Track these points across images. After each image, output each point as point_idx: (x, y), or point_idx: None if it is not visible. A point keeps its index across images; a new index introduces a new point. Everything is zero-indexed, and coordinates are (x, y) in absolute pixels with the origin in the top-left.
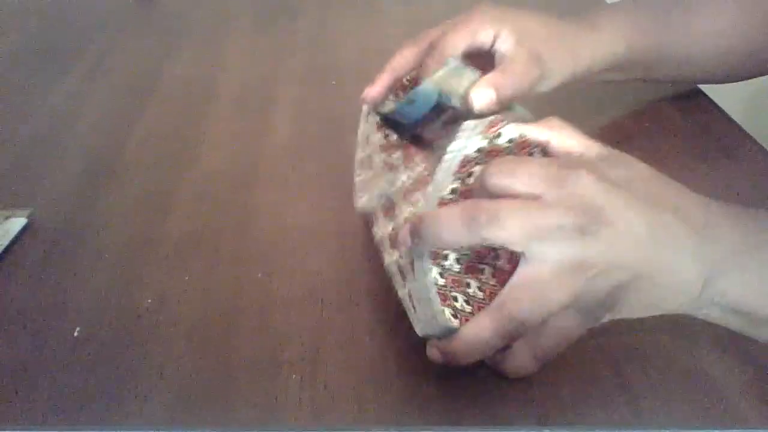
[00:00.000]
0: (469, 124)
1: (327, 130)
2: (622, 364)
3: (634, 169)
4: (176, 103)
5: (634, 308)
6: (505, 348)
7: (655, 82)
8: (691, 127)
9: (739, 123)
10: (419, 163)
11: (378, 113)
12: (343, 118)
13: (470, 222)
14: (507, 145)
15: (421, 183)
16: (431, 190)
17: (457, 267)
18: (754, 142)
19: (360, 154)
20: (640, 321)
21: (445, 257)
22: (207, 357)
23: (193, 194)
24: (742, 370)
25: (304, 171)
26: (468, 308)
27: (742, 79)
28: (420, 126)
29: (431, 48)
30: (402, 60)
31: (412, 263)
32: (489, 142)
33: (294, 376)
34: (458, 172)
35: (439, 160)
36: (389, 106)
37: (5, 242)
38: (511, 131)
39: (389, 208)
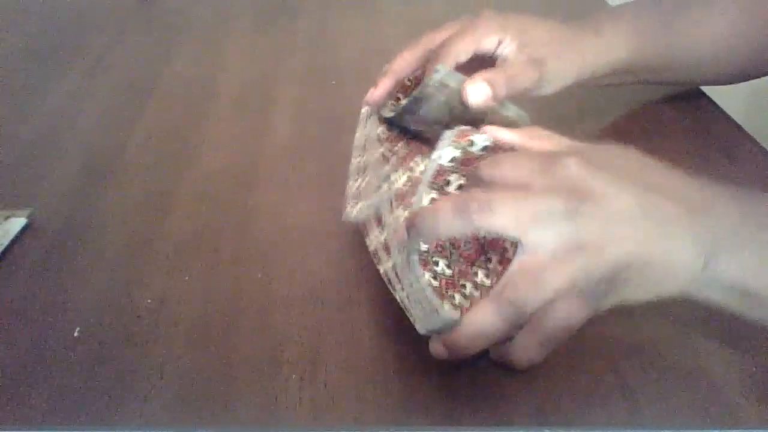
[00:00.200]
0: (447, 133)
1: (327, 130)
2: (622, 364)
3: (623, 155)
4: (176, 103)
5: (634, 290)
6: (509, 340)
7: (658, 85)
8: (691, 127)
9: (739, 123)
10: (419, 163)
11: (383, 118)
12: (343, 118)
13: (463, 211)
14: (480, 153)
15: (417, 185)
16: (414, 201)
17: (448, 272)
18: (754, 142)
19: (355, 161)
20: (640, 321)
21: (436, 263)
22: (207, 357)
23: (193, 194)
24: (742, 370)
25: (304, 171)
26: (466, 303)
27: (744, 80)
28: (423, 126)
29: (434, 53)
30: (403, 63)
31: (407, 262)
32: (462, 151)
33: (294, 376)
34: (434, 182)
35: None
36: (392, 109)
37: (5, 242)
38: (483, 138)
39: (380, 217)
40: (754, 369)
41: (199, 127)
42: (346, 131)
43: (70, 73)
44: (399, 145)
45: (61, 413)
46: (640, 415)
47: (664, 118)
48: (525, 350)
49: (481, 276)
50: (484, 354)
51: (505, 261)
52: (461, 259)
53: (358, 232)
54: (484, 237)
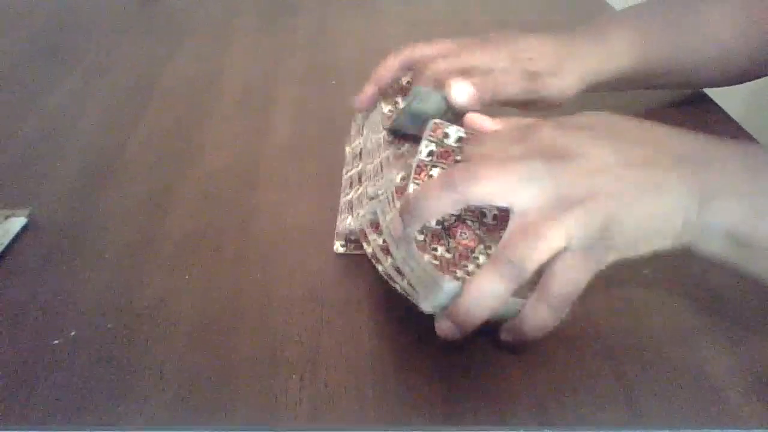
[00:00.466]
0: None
1: (327, 130)
2: (622, 364)
3: (598, 116)
4: (176, 103)
5: (631, 242)
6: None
7: (662, 89)
8: (691, 127)
9: (739, 123)
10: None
11: (386, 129)
12: (343, 118)
13: (449, 185)
14: (457, 144)
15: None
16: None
17: (448, 255)
18: (754, 141)
19: (349, 173)
20: (641, 320)
21: (435, 249)
22: (207, 357)
23: (194, 194)
24: (742, 370)
25: (304, 171)
26: (468, 276)
27: (747, 81)
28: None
29: (420, 71)
30: (384, 71)
31: (407, 251)
32: (438, 144)
33: (294, 376)
34: (416, 178)
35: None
36: (389, 116)
37: (5, 242)
38: (455, 130)
39: (377, 223)
40: (754, 369)
41: (199, 126)
42: (346, 131)
43: (71, 73)
44: (404, 147)
45: (61, 413)
46: (640, 415)
47: (664, 118)
48: (536, 317)
49: (482, 259)
50: (487, 331)
51: None
52: (460, 247)
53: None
54: (480, 227)
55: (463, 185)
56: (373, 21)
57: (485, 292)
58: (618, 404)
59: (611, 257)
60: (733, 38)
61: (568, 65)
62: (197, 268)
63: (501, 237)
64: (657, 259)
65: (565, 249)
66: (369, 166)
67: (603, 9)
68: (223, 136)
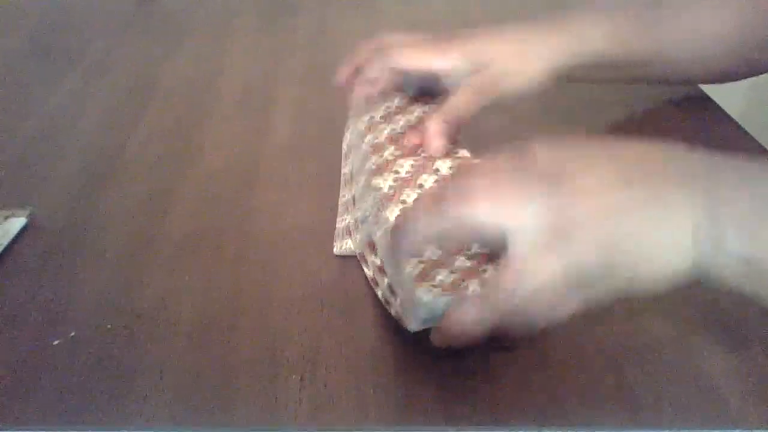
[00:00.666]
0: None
1: (327, 130)
2: (622, 364)
3: (594, 138)
4: (176, 103)
5: (637, 268)
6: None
7: (656, 84)
8: (691, 127)
9: (739, 123)
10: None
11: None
12: (343, 119)
13: (441, 202)
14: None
15: (402, 187)
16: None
17: (449, 279)
18: (755, 142)
19: (344, 197)
20: (640, 321)
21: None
22: (207, 357)
23: (194, 194)
24: (742, 370)
25: (304, 171)
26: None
27: (738, 79)
28: None
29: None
30: (358, 59)
31: (396, 267)
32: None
33: (294, 376)
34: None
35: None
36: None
37: (5, 242)
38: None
39: (373, 243)
40: (754, 369)
41: (199, 126)
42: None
43: (71, 73)
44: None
45: (61, 413)
46: (640, 415)
47: (664, 118)
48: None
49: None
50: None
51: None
52: (466, 265)
53: None
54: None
55: (456, 204)
56: (373, 21)
57: (472, 317)
58: (618, 404)
59: (611, 292)
60: (724, 32)
61: (532, 54)
62: (197, 268)
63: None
64: None
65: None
66: (358, 186)
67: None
68: (223, 136)
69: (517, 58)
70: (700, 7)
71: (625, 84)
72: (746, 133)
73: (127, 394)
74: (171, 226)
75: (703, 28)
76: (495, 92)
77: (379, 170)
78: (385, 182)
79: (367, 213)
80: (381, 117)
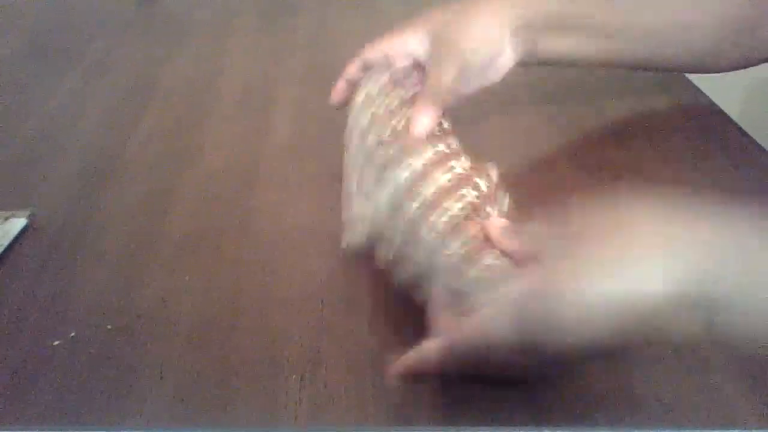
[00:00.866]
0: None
1: (327, 130)
2: (623, 364)
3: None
4: (176, 104)
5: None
6: None
7: (634, 67)
8: (690, 127)
9: (739, 123)
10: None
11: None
12: (343, 119)
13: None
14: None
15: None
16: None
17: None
18: (754, 141)
19: (348, 188)
20: None
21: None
22: (207, 357)
23: (194, 194)
24: (742, 370)
25: (304, 171)
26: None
27: (724, 70)
28: None
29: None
30: (350, 68)
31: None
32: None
33: (294, 376)
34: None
35: None
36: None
37: (5, 242)
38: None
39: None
40: (754, 369)
41: (199, 127)
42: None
43: (71, 73)
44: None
45: (61, 413)
46: (641, 415)
47: (664, 117)
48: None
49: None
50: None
51: None
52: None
53: None
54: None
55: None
56: (373, 21)
57: (428, 360)
58: (618, 404)
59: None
60: (694, 12)
61: (476, 20)
62: (197, 268)
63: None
64: None
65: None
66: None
67: None
68: (223, 136)
69: (456, 26)
70: None
71: (600, 66)
72: (746, 132)
73: (127, 394)
74: (171, 226)
75: (674, 7)
76: (461, 60)
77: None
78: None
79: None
80: (383, 111)
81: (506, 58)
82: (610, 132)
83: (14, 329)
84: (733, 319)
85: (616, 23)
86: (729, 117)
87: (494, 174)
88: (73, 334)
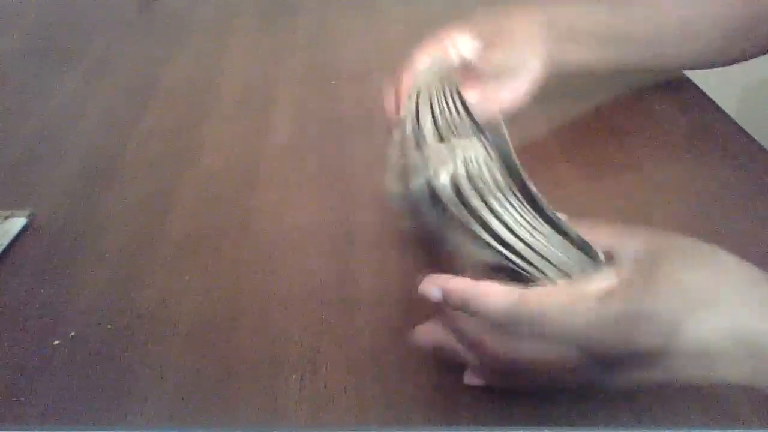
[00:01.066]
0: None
1: (327, 130)
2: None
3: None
4: (176, 104)
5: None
6: None
7: (641, 70)
8: (690, 127)
9: (739, 123)
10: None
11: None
12: (343, 119)
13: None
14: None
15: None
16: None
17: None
18: (753, 140)
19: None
20: None
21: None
22: (207, 357)
23: (194, 194)
24: None
25: (304, 171)
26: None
27: (723, 65)
28: None
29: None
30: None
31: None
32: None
33: (294, 376)
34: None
35: None
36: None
37: (5, 242)
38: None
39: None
40: None
41: (199, 127)
42: (346, 131)
43: (71, 73)
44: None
45: (61, 413)
46: (641, 415)
47: (663, 116)
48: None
49: None
50: None
51: None
52: None
53: (358, 232)
54: None
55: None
56: (373, 21)
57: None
58: (618, 404)
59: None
60: (696, 18)
61: (517, 37)
62: (197, 268)
63: None
64: None
65: None
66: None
67: None
68: (223, 136)
69: (520, 35)
70: None
71: (602, 73)
72: (746, 132)
73: (127, 394)
74: (171, 227)
75: (680, 9)
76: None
77: None
78: None
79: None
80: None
81: (533, 69)
82: (610, 132)
83: (14, 329)
84: None
85: (621, 31)
86: (729, 117)
87: None
88: (73, 334)
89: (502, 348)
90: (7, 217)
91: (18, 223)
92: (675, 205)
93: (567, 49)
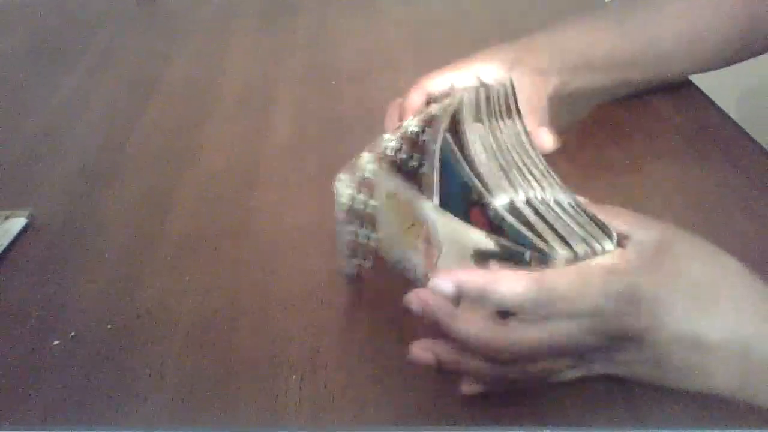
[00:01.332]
0: None
1: (327, 130)
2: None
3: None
4: (177, 103)
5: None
6: None
7: (650, 84)
8: (690, 127)
9: (738, 123)
10: None
11: None
12: (343, 119)
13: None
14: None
15: None
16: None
17: None
18: (754, 141)
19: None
20: None
21: None
22: (207, 357)
23: (194, 194)
24: None
25: (304, 171)
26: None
27: (712, 69)
28: None
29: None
30: (416, 97)
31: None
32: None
33: (294, 376)
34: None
35: None
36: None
37: (5, 242)
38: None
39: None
40: None
41: (199, 127)
42: (346, 131)
43: (71, 72)
44: None
45: (61, 413)
46: (640, 415)
47: (663, 116)
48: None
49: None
50: None
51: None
52: None
53: None
54: None
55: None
56: (373, 21)
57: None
58: (618, 404)
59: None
60: (698, 27)
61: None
62: (197, 268)
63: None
64: None
65: None
66: None
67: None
68: (223, 136)
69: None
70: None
71: (626, 92)
72: (746, 132)
73: (127, 394)
74: (171, 227)
75: (688, 19)
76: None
77: None
78: None
79: None
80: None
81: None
82: (610, 132)
83: (14, 329)
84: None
85: (627, 55)
86: (729, 117)
87: None
88: (73, 334)
89: (509, 338)
90: (7, 217)
91: (18, 223)
92: (675, 205)
93: (576, 78)
